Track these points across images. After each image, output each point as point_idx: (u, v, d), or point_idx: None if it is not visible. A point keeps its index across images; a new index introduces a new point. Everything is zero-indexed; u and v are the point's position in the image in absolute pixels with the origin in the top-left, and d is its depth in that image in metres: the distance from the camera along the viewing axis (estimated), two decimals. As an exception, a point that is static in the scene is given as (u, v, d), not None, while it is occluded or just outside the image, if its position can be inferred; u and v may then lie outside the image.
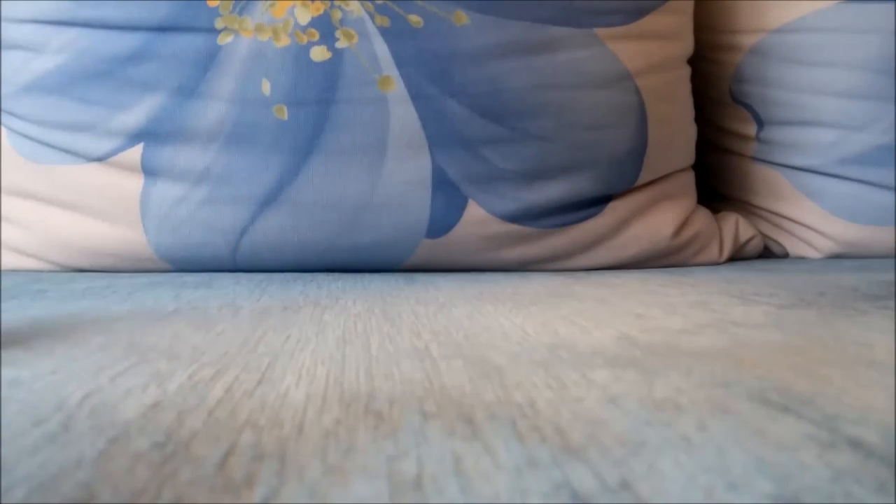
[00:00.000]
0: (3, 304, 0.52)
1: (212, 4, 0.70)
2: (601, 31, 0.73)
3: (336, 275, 0.71)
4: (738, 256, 0.86)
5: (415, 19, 0.70)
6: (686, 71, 0.82)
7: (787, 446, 0.22)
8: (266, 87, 0.70)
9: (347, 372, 0.32)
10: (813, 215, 0.87)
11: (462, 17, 0.70)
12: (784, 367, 0.32)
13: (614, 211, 0.76)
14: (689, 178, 0.83)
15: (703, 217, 0.81)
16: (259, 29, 0.70)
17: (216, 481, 0.20)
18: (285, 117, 0.70)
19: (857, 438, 0.23)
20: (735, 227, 0.85)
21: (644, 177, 0.77)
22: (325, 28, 0.70)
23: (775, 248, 0.90)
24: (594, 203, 0.75)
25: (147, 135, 0.72)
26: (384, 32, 0.70)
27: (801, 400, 0.27)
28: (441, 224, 0.72)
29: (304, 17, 0.70)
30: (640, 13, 0.75)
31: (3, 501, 0.18)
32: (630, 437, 0.23)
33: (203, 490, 0.19)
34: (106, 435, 0.22)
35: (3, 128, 0.76)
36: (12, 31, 0.74)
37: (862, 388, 0.28)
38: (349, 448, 0.22)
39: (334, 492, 0.19)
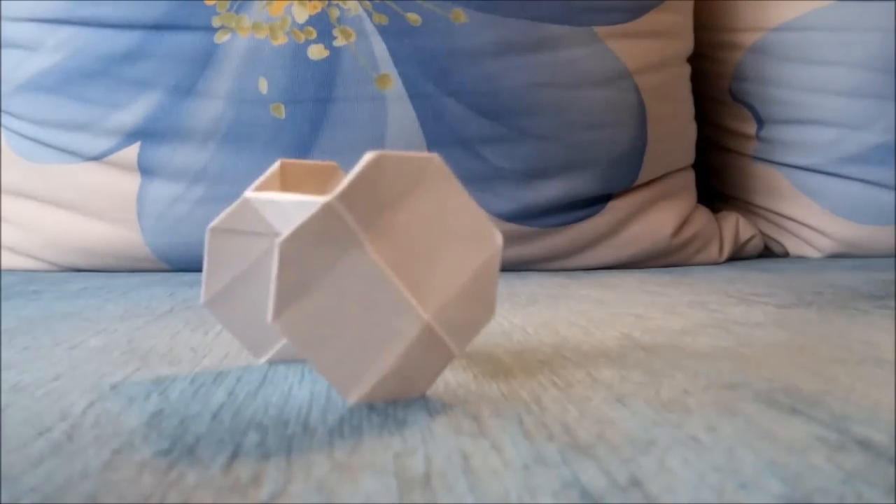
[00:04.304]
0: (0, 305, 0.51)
1: (209, 3, 0.70)
2: (600, 30, 0.73)
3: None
4: (738, 256, 0.86)
5: (413, 17, 0.70)
6: (685, 69, 0.82)
7: (796, 448, 0.22)
8: (263, 86, 0.70)
9: (350, 371, 0.31)
10: (813, 214, 0.87)
11: (460, 16, 0.70)
12: (790, 366, 0.32)
13: (614, 210, 0.75)
14: (689, 178, 0.83)
15: (702, 216, 0.81)
16: (256, 27, 0.70)
17: (223, 482, 0.19)
18: (283, 116, 0.70)
19: (867, 439, 0.22)
20: (735, 226, 0.85)
21: (643, 176, 0.76)
22: (322, 26, 0.70)
23: (775, 248, 0.90)
24: (593, 202, 0.75)
25: (143, 133, 0.71)
26: (382, 31, 0.70)
27: (809, 400, 0.27)
28: (439, 223, 0.71)
29: (301, 15, 0.70)
30: (639, 11, 0.75)
31: None
32: (639, 436, 0.23)
33: (209, 492, 0.19)
34: (111, 445, 0.22)
35: (-2, 126, 0.76)
36: (9, 30, 0.74)
37: (869, 387, 0.28)
38: (356, 445, 0.22)
39: (343, 488, 0.19)
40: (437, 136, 0.70)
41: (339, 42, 0.70)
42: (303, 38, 0.70)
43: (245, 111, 0.70)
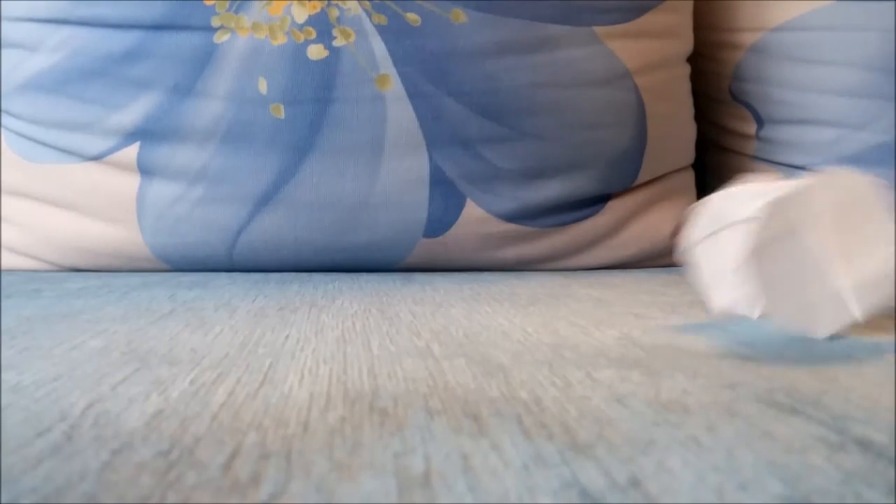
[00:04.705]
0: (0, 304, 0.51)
1: (208, 3, 0.70)
2: (600, 30, 0.73)
3: (332, 275, 0.71)
4: (736, 256, 0.85)
5: (412, 17, 0.70)
6: (685, 69, 0.82)
7: (796, 448, 0.22)
8: (263, 86, 0.70)
9: (350, 371, 0.31)
10: (812, 214, 0.87)
11: (460, 16, 0.70)
12: (790, 366, 0.32)
13: (613, 210, 0.75)
14: (689, 178, 0.83)
15: (702, 216, 0.81)
16: (255, 27, 0.70)
17: (222, 482, 0.19)
18: (282, 116, 0.70)
19: (866, 439, 0.22)
20: (734, 226, 0.85)
21: (643, 176, 0.76)
22: (322, 26, 0.70)
23: (774, 248, 0.90)
24: (593, 202, 0.75)
25: (143, 134, 0.71)
26: (382, 30, 0.70)
27: (809, 400, 0.27)
28: (439, 223, 0.71)
29: (300, 15, 0.70)
30: (638, 11, 0.75)
31: None
32: (638, 436, 0.23)
33: (209, 492, 0.19)
34: (110, 446, 0.22)
35: (-2, 126, 0.76)
36: (9, 30, 0.74)
37: (869, 387, 0.28)
38: (355, 445, 0.22)
39: (342, 488, 0.19)
40: (437, 136, 0.70)
41: (339, 42, 0.70)
42: (302, 38, 0.70)
43: (245, 111, 0.70)
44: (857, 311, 0.36)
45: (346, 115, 0.70)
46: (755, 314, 0.38)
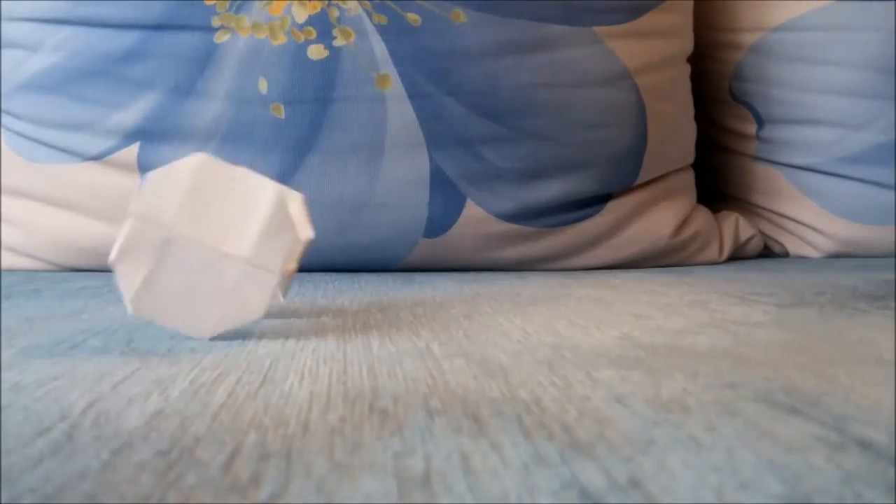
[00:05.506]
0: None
1: (208, 3, 0.70)
2: (600, 30, 0.73)
3: (332, 275, 0.71)
4: (738, 256, 0.86)
5: (413, 17, 0.70)
6: (685, 69, 0.82)
7: (796, 448, 0.22)
8: (263, 86, 0.70)
9: (350, 371, 0.31)
10: (813, 214, 0.87)
11: (460, 16, 0.70)
12: (789, 366, 0.32)
13: (613, 210, 0.75)
14: (689, 177, 0.83)
15: (702, 216, 0.81)
16: (256, 27, 0.70)
17: (222, 482, 0.19)
18: (282, 116, 0.70)
19: (866, 439, 0.22)
20: (735, 226, 0.85)
21: (643, 176, 0.76)
22: (322, 26, 0.70)
23: (775, 248, 0.90)
24: (593, 202, 0.75)
25: (143, 134, 0.71)
26: (382, 30, 0.70)
27: (809, 400, 0.27)
28: (439, 223, 0.71)
29: (301, 15, 0.70)
30: (639, 11, 0.75)
31: None
32: (638, 436, 0.23)
33: (209, 492, 0.19)
34: (110, 446, 0.22)
35: (-2, 126, 0.76)
36: (8, 30, 0.74)
37: (869, 387, 0.28)
38: (355, 445, 0.22)
39: (342, 488, 0.19)
40: (437, 136, 0.70)
41: (339, 42, 0.70)
42: (302, 37, 0.70)
43: (245, 111, 0.70)
44: (273, 283, 0.37)
45: (347, 114, 0.70)
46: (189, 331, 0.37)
